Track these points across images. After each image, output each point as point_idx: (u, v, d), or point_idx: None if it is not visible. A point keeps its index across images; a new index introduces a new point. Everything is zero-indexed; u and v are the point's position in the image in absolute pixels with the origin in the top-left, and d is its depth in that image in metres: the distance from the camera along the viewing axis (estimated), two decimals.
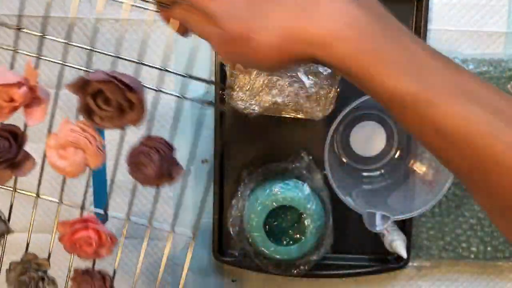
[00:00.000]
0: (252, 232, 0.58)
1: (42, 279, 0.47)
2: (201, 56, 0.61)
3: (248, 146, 0.63)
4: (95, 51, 0.45)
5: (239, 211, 0.61)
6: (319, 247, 0.60)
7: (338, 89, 0.54)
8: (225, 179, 0.63)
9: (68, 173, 0.44)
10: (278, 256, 0.59)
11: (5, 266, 0.50)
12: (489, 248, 0.64)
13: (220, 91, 0.59)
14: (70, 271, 0.49)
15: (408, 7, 0.61)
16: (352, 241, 0.65)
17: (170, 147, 0.45)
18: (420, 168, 0.61)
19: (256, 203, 0.58)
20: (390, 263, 0.64)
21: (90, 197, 0.64)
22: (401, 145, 0.63)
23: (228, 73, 0.54)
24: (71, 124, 0.43)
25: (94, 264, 0.49)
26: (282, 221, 0.62)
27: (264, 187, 0.59)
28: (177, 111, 0.46)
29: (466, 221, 0.64)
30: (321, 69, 0.53)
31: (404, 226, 0.63)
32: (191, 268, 0.62)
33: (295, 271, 0.61)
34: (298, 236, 0.61)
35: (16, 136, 0.43)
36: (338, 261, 0.64)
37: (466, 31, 0.62)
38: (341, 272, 0.64)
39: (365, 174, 0.64)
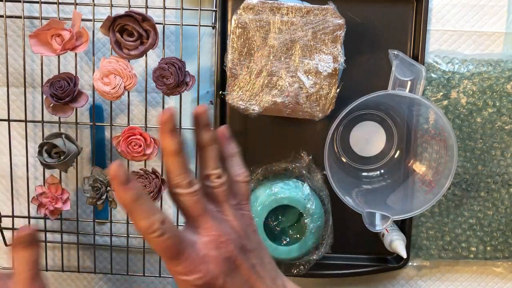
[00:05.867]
0: None
1: (109, 184, 0.58)
2: (203, 57, 0.61)
3: (248, 146, 0.63)
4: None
5: None
6: (319, 247, 0.60)
7: (338, 89, 0.54)
8: None
9: (112, 95, 0.55)
10: (278, 256, 0.59)
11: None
12: (488, 248, 0.65)
13: (220, 91, 0.59)
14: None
15: (408, 8, 0.61)
16: (352, 241, 0.65)
17: (182, 62, 0.55)
18: (419, 168, 0.61)
19: (256, 203, 0.58)
20: (390, 263, 0.64)
21: None
22: (400, 145, 0.63)
23: (228, 73, 0.54)
24: (107, 59, 0.55)
25: (145, 165, 0.59)
26: (282, 221, 0.62)
27: (264, 187, 0.59)
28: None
29: (465, 221, 0.64)
30: (321, 69, 0.53)
31: (404, 226, 0.63)
32: None
33: (295, 271, 0.60)
34: (298, 236, 0.61)
35: (71, 79, 0.56)
36: (338, 261, 0.64)
37: (466, 31, 0.62)
38: (341, 272, 0.64)
39: (364, 174, 0.64)
